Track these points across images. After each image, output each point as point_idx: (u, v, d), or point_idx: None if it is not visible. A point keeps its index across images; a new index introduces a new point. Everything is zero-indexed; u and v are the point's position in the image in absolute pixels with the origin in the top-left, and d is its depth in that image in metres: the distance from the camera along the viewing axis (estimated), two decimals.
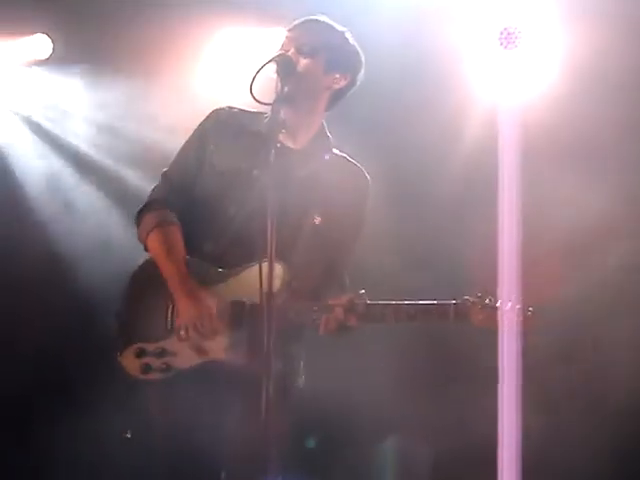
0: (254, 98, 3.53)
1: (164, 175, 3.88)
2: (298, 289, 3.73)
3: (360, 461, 5.77)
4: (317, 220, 3.77)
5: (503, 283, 4.27)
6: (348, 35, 3.85)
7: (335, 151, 3.92)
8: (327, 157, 3.86)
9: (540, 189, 5.02)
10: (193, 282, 3.70)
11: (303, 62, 3.72)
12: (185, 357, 3.68)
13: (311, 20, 3.85)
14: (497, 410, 4.61)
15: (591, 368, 5.43)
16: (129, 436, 3.85)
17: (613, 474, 5.39)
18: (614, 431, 5.37)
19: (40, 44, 6.00)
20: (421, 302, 3.59)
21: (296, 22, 3.85)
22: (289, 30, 3.82)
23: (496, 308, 3.55)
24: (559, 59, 5.13)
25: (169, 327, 3.73)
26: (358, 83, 3.87)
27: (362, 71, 3.86)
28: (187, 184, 3.84)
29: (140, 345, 3.72)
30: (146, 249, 3.83)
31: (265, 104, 3.55)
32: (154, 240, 3.78)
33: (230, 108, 3.86)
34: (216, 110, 3.87)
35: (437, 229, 5.52)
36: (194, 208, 3.81)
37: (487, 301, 3.56)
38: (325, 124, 3.90)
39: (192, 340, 3.67)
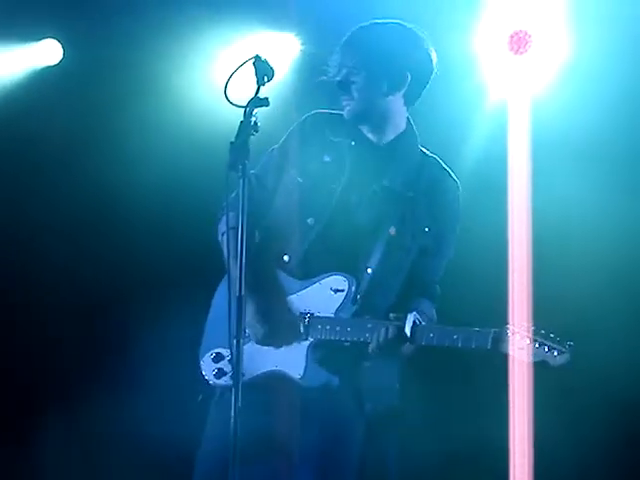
0: (228, 100, 3.51)
1: (254, 176, 3.89)
2: (374, 303, 3.73)
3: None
4: (392, 231, 3.76)
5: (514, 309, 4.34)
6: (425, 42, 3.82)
7: (423, 150, 3.89)
8: (413, 159, 3.83)
9: (550, 191, 5.07)
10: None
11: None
12: (254, 364, 3.72)
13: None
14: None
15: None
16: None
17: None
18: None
19: (50, 49, 6.05)
20: (463, 327, 3.58)
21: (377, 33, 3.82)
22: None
23: (533, 339, 3.50)
24: (566, 61, 5.18)
25: (245, 334, 3.74)
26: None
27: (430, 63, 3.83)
28: (267, 191, 3.89)
29: (218, 350, 3.80)
30: (221, 246, 3.90)
31: (238, 106, 3.51)
32: (225, 242, 3.77)
33: (319, 114, 3.90)
34: (304, 118, 3.90)
35: None
36: (275, 215, 3.87)
37: (526, 331, 3.51)
38: (411, 120, 3.87)
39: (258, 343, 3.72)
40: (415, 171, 3.82)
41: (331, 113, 3.86)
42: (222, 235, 3.89)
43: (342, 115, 3.83)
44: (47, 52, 6.05)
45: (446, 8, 5.04)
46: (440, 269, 3.91)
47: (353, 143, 3.79)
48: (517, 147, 4.88)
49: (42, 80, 6.06)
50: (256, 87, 3.50)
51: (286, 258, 3.77)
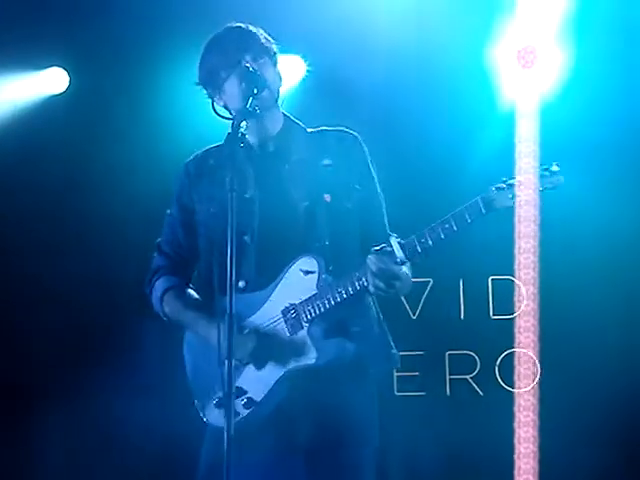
0: (215, 112, 3.68)
1: (158, 246, 3.93)
2: (343, 270, 3.63)
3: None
4: (327, 198, 3.72)
5: None
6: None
7: (310, 130, 3.82)
8: (303, 139, 3.78)
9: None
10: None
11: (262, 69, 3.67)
12: (258, 387, 3.68)
13: (238, 28, 3.77)
14: None
15: None
16: None
17: None
18: None
19: (56, 77, 6.11)
20: (445, 217, 3.50)
21: (227, 34, 3.76)
22: (226, 41, 3.74)
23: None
24: (569, 71, 5.54)
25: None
26: None
27: None
28: (183, 249, 3.88)
29: (218, 395, 3.68)
30: (164, 315, 3.88)
31: (228, 118, 3.63)
32: (169, 302, 3.85)
33: (196, 155, 3.89)
34: (184, 165, 3.89)
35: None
36: (208, 257, 3.75)
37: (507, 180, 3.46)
38: (287, 113, 3.84)
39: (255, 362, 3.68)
40: (311, 144, 3.77)
41: (205, 149, 3.88)
42: (164, 295, 3.85)
43: (215, 146, 3.82)
44: (53, 80, 6.09)
45: (464, 29, 5.43)
46: (385, 219, 3.83)
47: (244, 148, 3.61)
48: (526, 150, 5.21)
49: (48, 108, 6.07)
50: (244, 98, 3.53)
51: (241, 284, 3.68)
